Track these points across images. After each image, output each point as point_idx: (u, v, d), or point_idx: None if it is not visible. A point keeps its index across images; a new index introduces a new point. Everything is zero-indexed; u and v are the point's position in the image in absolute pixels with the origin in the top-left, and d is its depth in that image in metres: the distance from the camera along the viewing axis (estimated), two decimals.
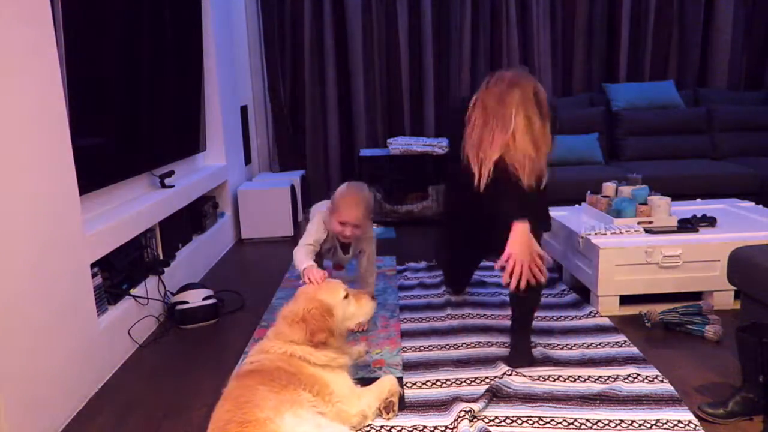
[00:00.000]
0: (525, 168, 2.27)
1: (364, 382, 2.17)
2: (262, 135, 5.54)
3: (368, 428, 2.02)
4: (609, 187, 3.35)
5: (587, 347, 2.56)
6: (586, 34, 5.32)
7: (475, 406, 2.05)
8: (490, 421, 2.03)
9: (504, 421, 2.03)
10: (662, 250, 2.86)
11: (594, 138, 4.81)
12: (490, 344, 2.60)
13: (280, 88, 5.32)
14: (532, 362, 2.41)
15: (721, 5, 5.24)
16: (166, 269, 3.14)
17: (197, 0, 3.99)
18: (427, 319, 2.94)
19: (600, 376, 2.29)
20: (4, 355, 1.84)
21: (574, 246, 3.16)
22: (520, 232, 2.21)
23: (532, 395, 2.18)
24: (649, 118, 4.90)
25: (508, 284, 2.27)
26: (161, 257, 3.25)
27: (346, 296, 2.18)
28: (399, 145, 4.88)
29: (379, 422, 2.05)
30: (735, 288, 2.55)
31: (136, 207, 2.92)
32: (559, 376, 2.30)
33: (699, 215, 3.18)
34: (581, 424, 2.00)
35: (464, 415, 2.00)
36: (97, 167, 2.67)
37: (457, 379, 2.32)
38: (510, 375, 2.29)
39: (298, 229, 4.54)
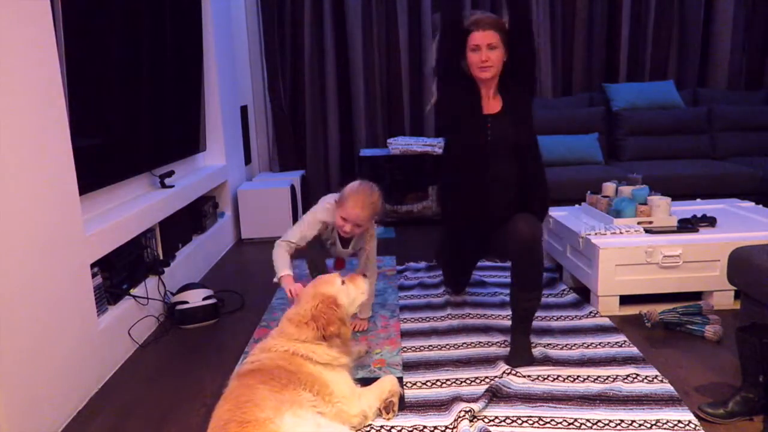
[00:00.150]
0: None
1: (365, 382, 2.17)
2: (262, 135, 5.54)
3: (368, 428, 2.03)
4: (609, 187, 3.35)
5: (587, 347, 2.56)
6: (586, 34, 5.32)
7: (475, 406, 2.05)
8: (490, 421, 2.03)
9: (504, 421, 2.03)
10: (662, 250, 2.86)
11: (594, 138, 4.81)
12: (490, 344, 2.60)
13: (280, 88, 5.32)
14: (532, 362, 2.41)
15: (721, 5, 5.24)
16: (166, 269, 3.14)
17: (197, 0, 3.99)
18: (427, 319, 2.94)
19: (600, 376, 2.29)
20: (4, 355, 1.84)
21: (574, 246, 3.16)
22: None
23: (532, 395, 2.18)
24: (649, 118, 4.90)
25: (511, 283, 2.35)
26: (161, 257, 3.25)
27: (343, 282, 2.24)
28: (399, 145, 4.88)
29: (379, 422, 2.05)
30: (735, 288, 2.55)
31: (136, 207, 2.92)
32: (559, 376, 2.31)
33: (699, 215, 3.18)
34: (581, 424, 2.00)
35: (464, 415, 2.00)
36: (97, 167, 2.67)
37: (457, 379, 2.32)
38: (510, 375, 2.29)
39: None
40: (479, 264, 3.66)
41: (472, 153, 2.60)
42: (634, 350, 2.50)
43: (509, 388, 2.21)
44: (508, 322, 2.57)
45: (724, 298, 2.88)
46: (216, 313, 3.06)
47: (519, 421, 2.02)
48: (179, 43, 3.62)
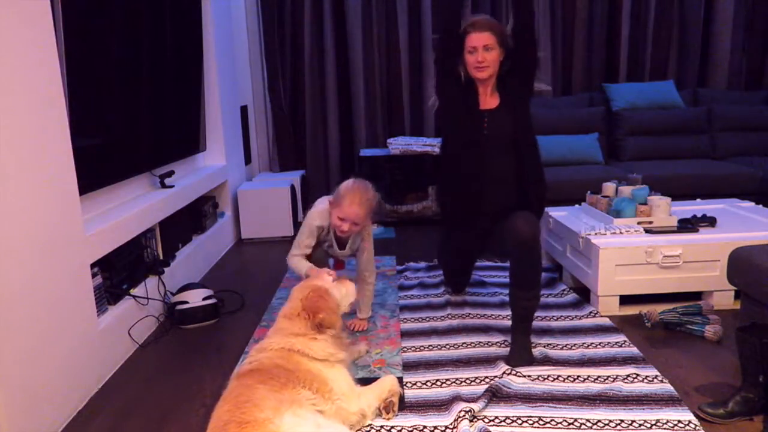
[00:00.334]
0: None
1: (365, 382, 2.17)
2: (262, 135, 5.54)
3: (368, 428, 2.03)
4: (609, 187, 3.35)
5: (587, 347, 2.56)
6: (586, 34, 5.32)
7: (475, 406, 2.05)
8: (490, 421, 2.03)
9: (504, 421, 2.03)
10: (662, 250, 2.86)
11: (594, 138, 4.81)
12: (490, 344, 2.60)
13: (280, 88, 5.32)
14: (532, 362, 2.41)
15: (721, 5, 5.24)
16: (166, 269, 3.14)
17: (197, 0, 3.99)
18: (427, 319, 2.94)
19: (600, 376, 2.29)
20: (4, 355, 1.84)
21: (574, 246, 3.16)
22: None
23: (532, 395, 2.18)
24: (649, 118, 4.90)
25: (510, 282, 2.40)
26: (161, 257, 3.25)
27: (334, 280, 2.28)
28: (399, 145, 4.88)
29: (379, 422, 2.05)
30: (735, 288, 2.55)
31: (136, 207, 2.92)
32: (559, 376, 2.31)
33: (699, 215, 3.18)
34: (581, 424, 2.00)
35: (464, 415, 2.00)
36: (97, 167, 2.67)
37: (457, 379, 2.32)
38: (510, 375, 2.29)
39: (299, 229, 4.53)
40: (479, 264, 3.67)
41: (470, 148, 2.64)
42: (634, 350, 2.50)
43: (509, 388, 2.21)
44: (508, 322, 2.57)
45: (724, 298, 2.88)
46: (216, 313, 3.06)
47: (519, 421, 2.02)
48: (179, 43, 3.62)
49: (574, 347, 2.56)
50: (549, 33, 5.26)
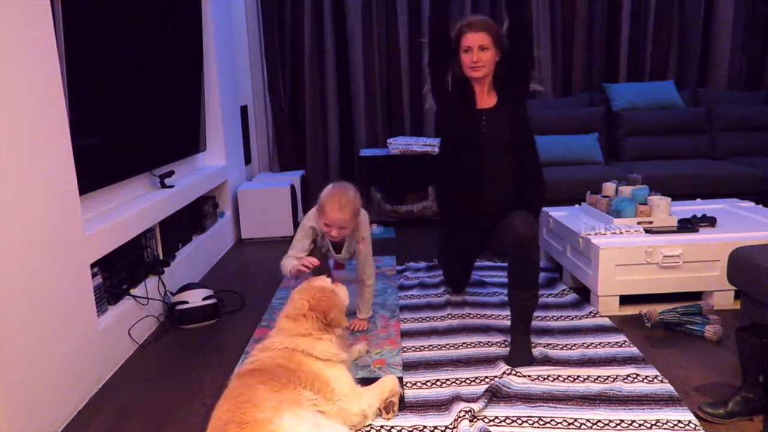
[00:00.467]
0: None
1: (365, 382, 2.17)
2: (262, 135, 5.54)
3: (368, 428, 2.03)
4: (609, 187, 3.35)
5: (587, 347, 2.56)
6: (586, 34, 5.32)
7: (475, 406, 2.05)
8: (490, 421, 2.03)
9: (504, 421, 2.03)
10: (662, 250, 2.86)
11: (594, 138, 4.81)
12: (490, 344, 2.60)
13: (280, 88, 5.32)
14: (532, 362, 2.41)
15: (721, 5, 5.24)
16: (166, 269, 3.14)
17: (197, 0, 3.99)
18: (427, 319, 2.94)
19: (600, 376, 2.29)
20: (4, 355, 1.84)
21: (574, 246, 3.16)
22: None
23: (532, 395, 2.18)
24: (649, 118, 4.90)
25: (508, 282, 2.43)
26: (161, 257, 3.25)
27: (331, 282, 2.28)
28: (399, 145, 4.88)
29: (379, 422, 2.05)
30: (735, 288, 2.55)
31: (136, 207, 2.92)
32: (559, 376, 2.31)
33: (699, 215, 3.18)
34: (581, 424, 2.00)
35: (464, 415, 2.00)
36: (97, 167, 2.67)
37: (457, 379, 2.32)
38: (510, 375, 2.29)
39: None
40: (479, 264, 3.67)
41: (469, 147, 2.65)
42: (634, 350, 2.50)
43: (509, 388, 2.21)
44: (508, 322, 2.57)
45: (724, 298, 2.88)
46: (216, 313, 3.06)
47: (519, 421, 2.02)
48: (179, 43, 3.62)
49: (574, 347, 2.56)
50: (549, 33, 5.26)
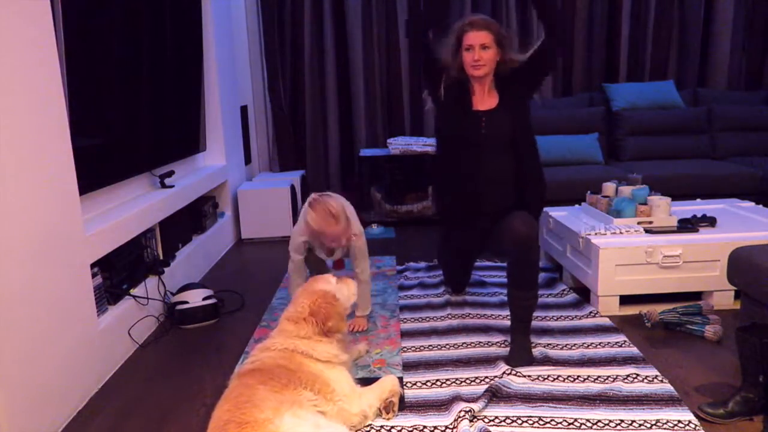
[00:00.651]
0: None
1: (365, 382, 2.17)
2: (262, 135, 5.54)
3: (368, 428, 2.03)
4: (609, 187, 3.35)
5: (587, 347, 2.56)
6: (586, 34, 5.32)
7: (475, 406, 2.05)
8: (490, 421, 2.03)
9: (504, 421, 2.03)
10: (662, 250, 2.86)
11: (594, 138, 4.81)
12: (490, 344, 2.60)
13: (280, 88, 5.31)
14: (532, 362, 2.41)
15: (721, 5, 5.24)
16: (166, 269, 3.14)
17: (197, 0, 3.99)
18: (427, 319, 2.94)
19: (600, 376, 2.29)
20: (4, 355, 1.84)
21: (574, 246, 3.16)
22: None
23: (532, 395, 2.18)
24: (649, 118, 4.90)
25: (507, 282, 2.45)
26: (161, 257, 3.25)
27: (336, 282, 2.26)
28: (399, 145, 4.88)
29: (379, 422, 2.05)
30: (735, 288, 2.55)
31: (136, 207, 2.92)
32: (559, 376, 2.30)
33: (699, 215, 3.18)
34: (581, 424, 2.00)
35: (464, 415, 2.00)
36: (97, 167, 2.67)
37: (457, 379, 2.32)
38: (510, 375, 2.29)
39: None
40: (479, 264, 3.66)
41: (468, 148, 2.65)
42: (634, 350, 2.50)
43: (509, 388, 2.21)
44: (508, 322, 2.57)
45: (724, 298, 2.88)
46: (216, 313, 3.06)
47: (519, 421, 2.02)
48: (179, 43, 3.62)
49: (574, 347, 2.56)
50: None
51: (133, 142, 3.05)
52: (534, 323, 2.57)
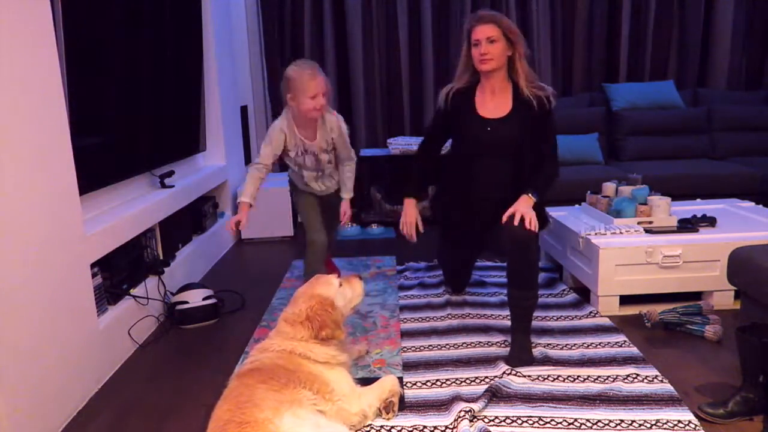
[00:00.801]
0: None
1: (365, 382, 2.17)
2: (262, 135, 5.51)
3: (368, 428, 2.03)
4: (609, 187, 3.35)
5: (587, 347, 2.56)
6: (586, 34, 5.32)
7: (475, 406, 2.05)
8: (490, 421, 2.03)
9: (504, 421, 2.03)
10: (662, 250, 2.86)
11: (594, 138, 4.81)
12: (490, 344, 2.60)
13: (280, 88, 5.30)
14: (532, 362, 2.41)
15: (721, 5, 5.24)
16: (166, 269, 3.14)
17: (197, 0, 3.99)
18: (427, 319, 2.94)
19: (600, 376, 2.29)
20: (4, 356, 1.84)
21: (574, 246, 3.16)
22: (524, 199, 2.49)
23: (532, 395, 2.18)
24: (649, 118, 4.90)
25: (507, 282, 2.45)
26: (161, 257, 3.25)
27: (340, 284, 2.24)
28: (399, 145, 4.88)
29: (379, 422, 2.05)
30: (735, 288, 2.55)
31: (136, 207, 2.92)
32: (559, 376, 2.30)
33: (699, 215, 3.18)
34: (581, 424, 2.00)
35: (464, 415, 2.00)
36: (97, 167, 2.67)
37: (457, 379, 2.32)
38: (510, 375, 2.29)
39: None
40: (479, 264, 3.66)
41: (471, 153, 2.69)
42: (634, 350, 2.50)
43: (509, 388, 2.21)
44: (508, 322, 2.57)
45: (724, 298, 2.88)
46: (216, 313, 3.06)
47: (519, 421, 2.02)
48: (179, 42, 3.62)
49: (574, 347, 2.56)
50: (549, 33, 5.26)
51: (133, 142, 3.05)
52: (534, 323, 2.57)
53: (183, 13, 3.69)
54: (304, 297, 2.15)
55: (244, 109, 5.04)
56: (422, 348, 2.62)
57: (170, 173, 3.48)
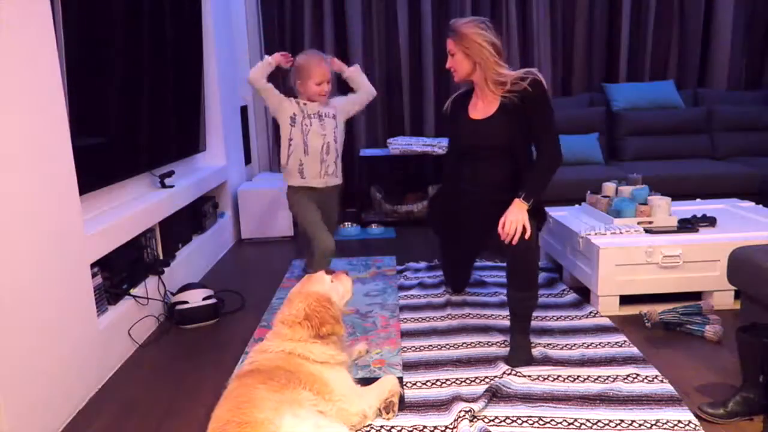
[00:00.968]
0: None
1: (365, 382, 2.17)
2: (262, 135, 5.54)
3: (368, 428, 2.03)
4: (609, 187, 3.35)
5: (587, 347, 2.56)
6: (586, 34, 5.32)
7: (475, 406, 2.05)
8: (490, 421, 2.03)
9: (504, 421, 2.03)
10: (662, 250, 2.86)
11: (594, 138, 4.81)
12: (490, 344, 2.60)
13: (279, 88, 5.29)
14: (532, 362, 2.41)
15: (721, 5, 5.24)
16: (166, 269, 3.14)
17: (197, 0, 3.99)
18: (427, 319, 2.94)
19: (600, 376, 2.29)
20: (4, 355, 1.84)
21: (574, 246, 3.16)
22: (517, 204, 2.45)
23: (532, 395, 2.18)
24: (649, 118, 4.90)
25: (507, 284, 2.45)
26: (161, 257, 3.25)
27: (332, 281, 2.25)
28: (399, 145, 4.88)
29: (379, 422, 2.05)
30: (735, 288, 2.55)
31: (136, 207, 2.92)
32: (559, 376, 2.31)
33: (699, 215, 3.18)
34: (581, 424, 2.00)
35: (464, 415, 2.00)
36: (97, 167, 2.67)
37: (457, 379, 2.32)
38: (510, 375, 2.29)
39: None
40: (479, 264, 3.67)
41: (463, 154, 2.71)
42: (634, 350, 2.50)
43: (509, 388, 2.21)
44: (508, 322, 2.56)
45: (724, 298, 2.88)
46: (216, 313, 3.06)
47: (519, 421, 2.02)
48: (179, 42, 3.62)
49: (574, 347, 2.56)
50: (549, 33, 5.26)
51: (133, 142, 3.05)
52: (534, 323, 2.57)
53: (183, 13, 3.69)
54: (299, 297, 2.14)
55: (244, 109, 5.04)
56: (422, 348, 2.62)
57: (170, 173, 3.48)
